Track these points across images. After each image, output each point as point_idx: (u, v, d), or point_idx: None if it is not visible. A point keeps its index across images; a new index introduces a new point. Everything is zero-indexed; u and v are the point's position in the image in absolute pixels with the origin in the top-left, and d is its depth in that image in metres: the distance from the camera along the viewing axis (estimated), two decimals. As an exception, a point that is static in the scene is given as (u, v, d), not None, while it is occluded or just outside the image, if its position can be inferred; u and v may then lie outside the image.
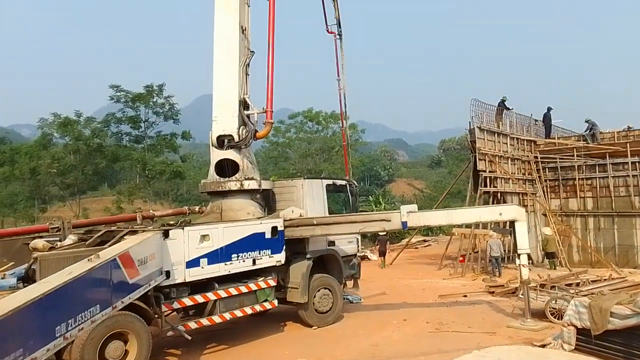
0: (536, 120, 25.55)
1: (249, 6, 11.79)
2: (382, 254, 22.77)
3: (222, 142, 10.79)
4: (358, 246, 12.72)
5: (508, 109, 23.26)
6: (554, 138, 25.10)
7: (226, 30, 11.18)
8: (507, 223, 17.82)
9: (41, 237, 8.42)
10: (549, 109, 25.53)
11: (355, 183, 13.33)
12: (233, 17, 11.13)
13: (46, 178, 34.73)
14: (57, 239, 8.39)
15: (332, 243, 11.54)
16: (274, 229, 9.96)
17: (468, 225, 19.30)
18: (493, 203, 20.74)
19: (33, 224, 34.32)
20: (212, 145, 10.88)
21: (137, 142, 33.95)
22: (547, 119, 25.31)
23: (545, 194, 23.30)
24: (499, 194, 21.20)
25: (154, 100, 32.70)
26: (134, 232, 7.91)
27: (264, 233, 9.78)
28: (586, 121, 24.41)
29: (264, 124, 11.28)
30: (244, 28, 11.42)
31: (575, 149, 22.82)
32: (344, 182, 12.52)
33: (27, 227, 10.92)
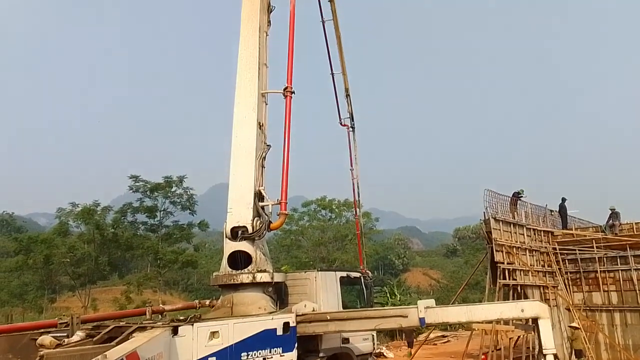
0: (552, 211, 25.37)
1: (266, 104, 12.35)
2: (410, 344, 21.99)
3: (236, 233, 10.77)
4: (374, 344, 12.16)
5: (521, 200, 23.21)
6: (571, 229, 24.74)
7: (244, 127, 11.60)
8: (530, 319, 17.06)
9: (49, 332, 8.21)
10: (564, 199, 25.47)
11: (370, 274, 13.06)
12: (251, 115, 11.60)
13: (58, 267, 34.75)
14: (65, 334, 8.17)
15: (346, 340, 11.05)
16: (286, 324, 9.59)
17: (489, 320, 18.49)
18: (513, 296, 20.02)
19: (41, 314, 33.87)
20: (226, 236, 10.86)
21: (152, 231, 34.24)
22: (562, 209, 25.16)
23: (567, 287, 22.50)
24: (519, 287, 20.52)
25: (173, 190, 33.45)
26: (143, 329, 7.67)
27: (275, 329, 9.41)
28: (610, 209, 24.14)
29: (278, 215, 11.32)
30: (261, 124, 11.87)
31: (594, 240, 22.37)
32: (358, 275, 12.26)
33: (36, 322, 10.68)
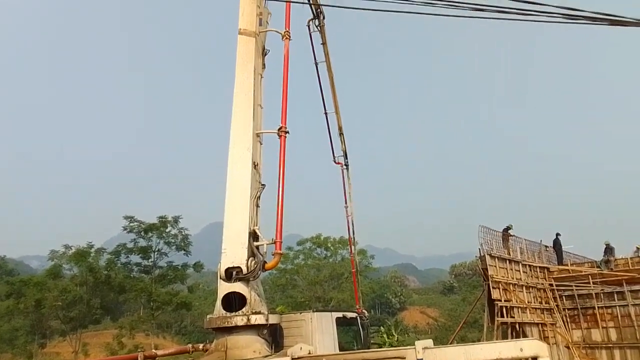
0: (547, 247, 25.38)
1: (261, 144, 12.48)
2: None
3: (231, 274, 10.66)
4: (371, 386, 11.85)
5: (511, 235, 23.22)
6: (567, 264, 24.70)
7: (239, 166, 11.65)
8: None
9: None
10: (558, 234, 25.52)
11: (367, 314, 12.89)
12: (246, 155, 11.69)
13: (50, 311, 34.05)
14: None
15: (343, 383, 10.78)
16: (281, 368, 9.39)
17: None
18: (512, 334, 19.73)
19: (30, 360, 32.87)
20: (220, 277, 10.72)
21: (146, 272, 33.79)
22: (557, 245, 25.20)
23: (566, 324, 22.25)
24: (517, 325, 20.26)
25: (167, 230, 33.24)
26: (135, 375, 7.51)
27: (270, 373, 9.20)
28: (605, 244, 24.21)
29: (273, 254, 11.22)
30: (256, 164, 11.94)
31: (590, 276, 22.31)
32: (354, 315, 12.09)
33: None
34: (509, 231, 22.98)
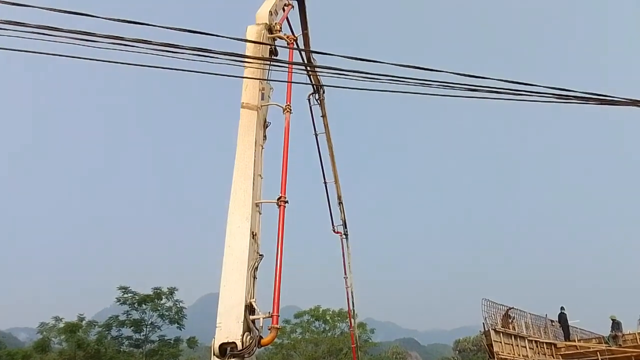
0: (552, 321, 24.68)
1: (260, 213, 12.47)
2: None
3: (225, 350, 10.24)
4: None
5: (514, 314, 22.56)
6: (574, 340, 23.89)
7: (237, 237, 11.54)
8: None
9: None
10: (562, 308, 24.89)
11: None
12: (245, 225, 11.63)
13: (33, 389, 32.36)
14: None
15: None
16: None
17: None
18: (521, 416, 18.70)
19: None
20: (214, 354, 10.30)
21: (137, 346, 32.48)
22: (562, 319, 24.51)
23: (577, 405, 21.15)
24: (526, 406, 19.25)
25: (162, 302, 32.39)
26: None
27: None
28: (611, 318, 23.58)
29: (269, 329, 10.86)
30: (254, 233, 11.86)
31: (599, 353, 21.51)
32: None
33: None
34: (509, 312, 22.23)
